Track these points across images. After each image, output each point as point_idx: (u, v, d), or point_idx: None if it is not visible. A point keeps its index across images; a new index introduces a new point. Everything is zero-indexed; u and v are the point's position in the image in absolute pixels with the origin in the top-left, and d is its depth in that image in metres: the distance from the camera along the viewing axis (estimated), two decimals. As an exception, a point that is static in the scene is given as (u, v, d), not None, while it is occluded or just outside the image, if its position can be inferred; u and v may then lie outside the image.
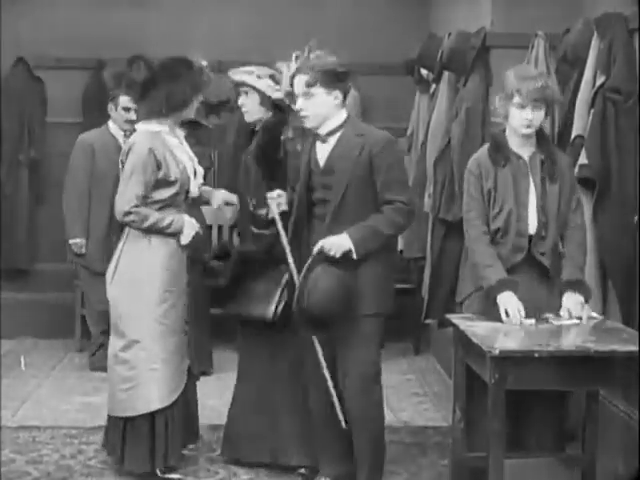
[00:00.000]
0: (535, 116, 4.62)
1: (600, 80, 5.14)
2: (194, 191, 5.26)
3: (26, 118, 8.63)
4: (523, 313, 4.51)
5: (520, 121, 4.64)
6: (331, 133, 4.75)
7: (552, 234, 4.67)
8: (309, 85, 4.68)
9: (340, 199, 4.68)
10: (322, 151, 4.79)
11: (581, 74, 5.36)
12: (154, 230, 5.06)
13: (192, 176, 5.23)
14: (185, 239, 5.13)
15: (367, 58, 8.59)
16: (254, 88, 5.30)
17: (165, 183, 5.08)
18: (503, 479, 4.13)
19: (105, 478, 5.22)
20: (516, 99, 4.61)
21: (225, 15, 8.64)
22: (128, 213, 5.01)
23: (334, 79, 4.70)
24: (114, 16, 8.52)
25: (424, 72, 7.53)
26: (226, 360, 7.14)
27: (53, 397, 6.76)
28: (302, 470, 5.21)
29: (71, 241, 7.38)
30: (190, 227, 5.14)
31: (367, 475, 4.83)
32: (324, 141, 4.76)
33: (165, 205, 5.11)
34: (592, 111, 5.17)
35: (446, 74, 6.90)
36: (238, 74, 5.35)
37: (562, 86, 5.76)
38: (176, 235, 5.11)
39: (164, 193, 5.09)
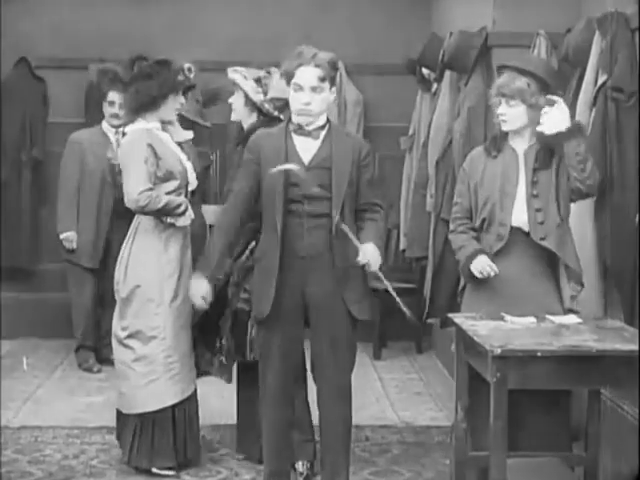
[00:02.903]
0: (509, 111, 4.69)
1: (602, 79, 5.14)
2: (193, 183, 5.31)
3: (28, 118, 8.63)
4: (495, 269, 4.63)
5: (497, 117, 4.76)
6: (318, 129, 4.63)
7: (552, 216, 4.69)
8: (321, 79, 4.55)
9: (343, 198, 4.58)
10: (304, 147, 4.62)
11: (583, 73, 5.36)
12: (166, 210, 5.08)
13: (189, 168, 5.28)
14: (185, 221, 5.17)
15: (369, 58, 8.60)
16: (240, 87, 5.34)
17: (169, 176, 5.13)
18: (506, 478, 4.13)
19: (107, 478, 5.23)
20: (493, 95, 4.78)
21: (225, 15, 8.64)
22: (142, 196, 5.01)
23: (335, 77, 4.67)
24: (116, 16, 8.52)
25: (426, 72, 7.53)
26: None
27: (55, 397, 6.77)
28: (301, 468, 5.21)
29: (62, 236, 7.41)
30: (190, 211, 5.22)
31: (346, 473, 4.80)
32: (315, 137, 4.62)
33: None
34: (593, 110, 5.17)
35: (448, 74, 6.90)
36: (230, 72, 5.40)
37: (564, 85, 5.77)
38: (180, 218, 5.16)
39: (169, 186, 5.14)
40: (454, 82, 6.85)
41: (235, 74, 5.36)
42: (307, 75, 4.54)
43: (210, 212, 6.95)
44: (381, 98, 8.62)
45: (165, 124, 5.31)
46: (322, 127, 4.64)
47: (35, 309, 8.53)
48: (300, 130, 4.62)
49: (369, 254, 4.54)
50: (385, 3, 8.68)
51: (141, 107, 5.16)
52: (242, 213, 4.71)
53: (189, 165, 5.32)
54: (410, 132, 7.99)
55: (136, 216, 5.22)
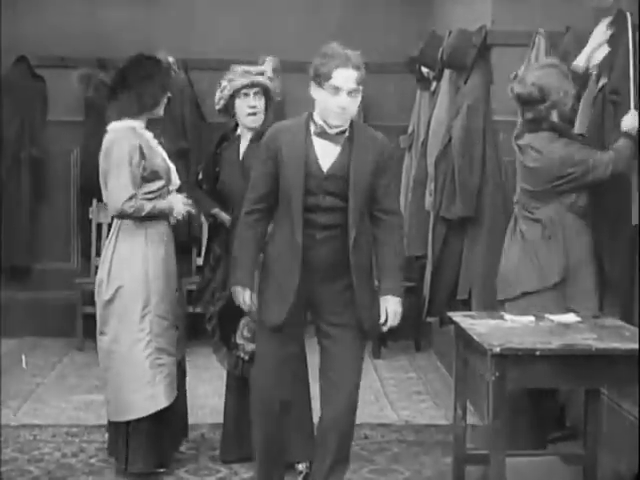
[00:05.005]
0: None
1: (602, 81, 5.13)
2: (175, 182, 5.26)
3: (27, 117, 8.63)
4: None
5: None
6: (341, 134, 4.45)
7: None
8: (359, 82, 4.37)
9: (361, 208, 4.45)
10: (324, 153, 4.43)
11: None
12: (150, 217, 5.05)
13: (172, 166, 5.25)
14: (177, 216, 5.15)
15: (368, 56, 8.44)
16: (266, 90, 5.29)
17: (154, 176, 5.08)
18: (505, 477, 4.13)
19: (106, 477, 5.22)
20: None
21: (226, 15, 8.64)
22: (125, 206, 4.98)
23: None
24: (116, 15, 8.51)
25: (425, 70, 7.52)
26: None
27: (54, 396, 6.76)
28: (301, 467, 5.20)
29: None
30: (179, 203, 5.17)
31: (344, 470, 4.71)
32: (336, 142, 4.44)
33: (154, 198, 5.10)
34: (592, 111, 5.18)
35: (447, 72, 6.90)
36: (251, 76, 5.27)
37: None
38: (169, 216, 5.14)
39: (153, 186, 5.09)
40: (453, 81, 6.85)
41: (261, 77, 5.25)
42: (346, 77, 4.33)
43: None
44: (380, 97, 8.60)
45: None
46: (344, 131, 4.45)
47: (34, 308, 8.52)
48: (324, 134, 4.43)
49: (391, 313, 4.53)
50: (385, 1, 8.67)
51: (143, 108, 5.10)
52: (264, 217, 4.57)
53: (172, 164, 5.27)
54: (409, 131, 7.99)
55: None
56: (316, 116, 4.45)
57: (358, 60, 4.38)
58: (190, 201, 5.22)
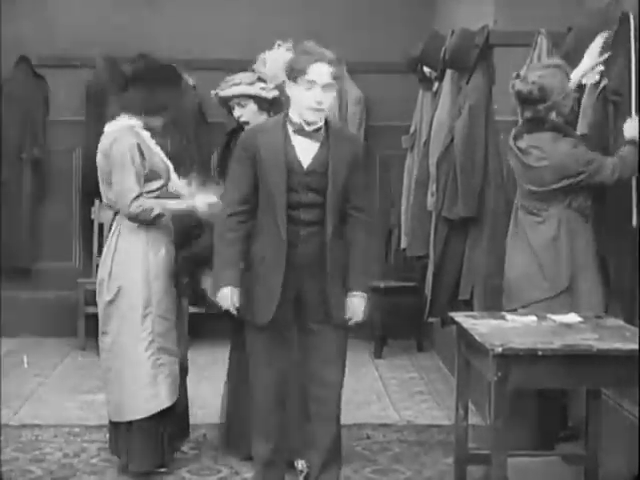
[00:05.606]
0: None
1: (603, 82, 5.13)
2: (175, 181, 5.25)
3: (28, 117, 8.64)
4: None
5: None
6: (318, 130, 4.49)
7: None
8: (334, 77, 4.43)
9: (338, 204, 4.50)
10: (303, 149, 4.48)
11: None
12: (158, 221, 5.05)
13: (170, 165, 5.25)
14: (203, 207, 5.11)
15: (370, 56, 8.60)
16: (249, 97, 5.30)
17: (153, 175, 5.08)
18: (506, 477, 4.13)
19: (108, 476, 5.22)
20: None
21: (226, 14, 8.65)
22: (132, 207, 4.97)
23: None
24: (117, 15, 8.52)
25: (427, 70, 7.51)
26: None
27: (56, 395, 6.77)
28: (300, 466, 5.19)
29: None
30: (202, 202, 5.12)
31: (338, 467, 4.70)
32: (315, 139, 4.48)
33: (154, 197, 5.08)
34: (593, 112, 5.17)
35: (449, 72, 6.89)
36: (226, 91, 5.32)
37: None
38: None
39: (152, 185, 5.08)
40: (455, 81, 6.84)
41: (236, 88, 5.29)
42: (321, 72, 4.39)
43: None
44: (382, 97, 8.62)
45: None
46: (319, 129, 4.49)
47: (35, 307, 8.53)
48: (302, 131, 4.48)
49: (355, 311, 4.55)
50: (386, 1, 8.67)
51: (146, 111, 5.10)
52: (248, 218, 4.54)
53: (170, 163, 5.26)
54: (411, 131, 7.98)
55: (118, 215, 5.14)
56: (292, 114, 4.51)
57: (333, 56, 4.45)
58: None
